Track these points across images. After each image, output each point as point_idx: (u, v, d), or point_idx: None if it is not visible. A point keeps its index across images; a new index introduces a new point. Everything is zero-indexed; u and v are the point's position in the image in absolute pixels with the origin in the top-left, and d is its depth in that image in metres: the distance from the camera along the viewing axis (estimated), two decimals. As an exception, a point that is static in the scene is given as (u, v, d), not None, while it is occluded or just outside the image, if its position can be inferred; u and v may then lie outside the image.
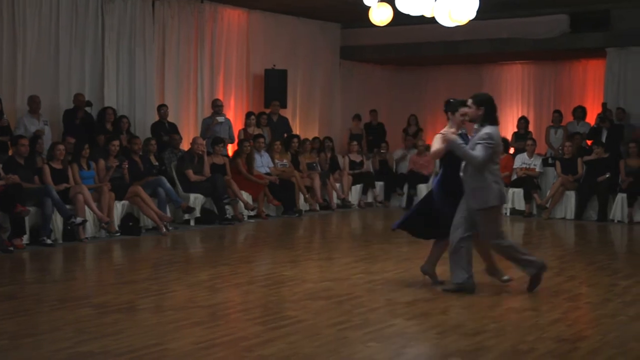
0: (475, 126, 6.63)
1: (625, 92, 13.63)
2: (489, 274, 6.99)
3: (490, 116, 6.54)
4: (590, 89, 15.24)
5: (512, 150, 13.75)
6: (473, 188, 6.51)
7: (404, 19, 9.99)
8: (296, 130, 14.71)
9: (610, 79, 13.78)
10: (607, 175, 12.12)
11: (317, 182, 13.07)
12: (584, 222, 12.01)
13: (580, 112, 13.94)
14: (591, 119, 13.79)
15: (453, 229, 6.62)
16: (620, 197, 11.93)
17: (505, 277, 6.95)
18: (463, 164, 6.59)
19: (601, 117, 13.22)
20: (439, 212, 6.80)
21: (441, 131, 6.72)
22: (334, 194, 13.45)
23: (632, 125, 13.20)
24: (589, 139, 13.35)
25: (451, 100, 6.90)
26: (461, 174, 6.61)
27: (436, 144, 6.75)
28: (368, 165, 14.40)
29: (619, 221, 11.89)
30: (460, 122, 6.76)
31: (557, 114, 14.02)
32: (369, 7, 9.79)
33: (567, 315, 5.96)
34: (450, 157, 6.64)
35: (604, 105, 13.54)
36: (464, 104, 6.69)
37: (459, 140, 6.55)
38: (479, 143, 6.42)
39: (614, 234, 11.16)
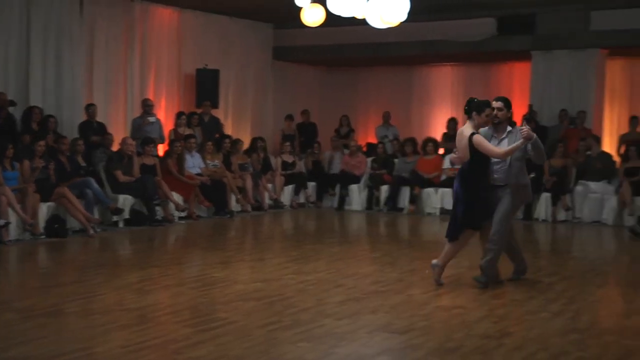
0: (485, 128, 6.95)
1: (550, 93, 14.02)
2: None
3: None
4: (517, 90, 15.58)
5: (441, 151, 13.98)
6: (524, 185, 7.02)
7: (335, 20, 10.05)
8: (228, 130, 14.62)
9: (535, 81, 14.16)
10: (532, 175, 12.41)
11: (249, 183, 13.03)
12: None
13: (507, 114, 14.26)
14: (518, 120, 14.11)
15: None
16: (545, 197, 12.26)
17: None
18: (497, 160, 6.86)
19: (527, 118, 13.54)
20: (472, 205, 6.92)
21: (524, 128, 6.77)
22: (266, 195, 13.43)
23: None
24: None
25: (475, 100, 7.04)
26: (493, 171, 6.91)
27: (484, 143, 6.77)
28: (300, 166, 14.42)
29: (543, 220, 12.22)
30: (485, 123, 6.93)
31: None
32: (301, 8, 9.82)
33: (494, 312, 6.09)
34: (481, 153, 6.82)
35: (530, 106, 13.89)
36: (488, 104, 6.92)
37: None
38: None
39: (538, 233, 11.46)
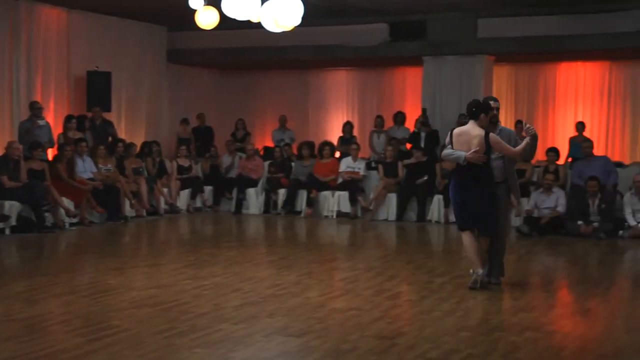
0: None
1: (441, 98, 14.43)
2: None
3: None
4: (409, 95, 15.98)
5: (337, 154, 14.15)
6: (515, 184, 7.28)
7: (230, 24, 9.99)
8: (121, 134, 14.29)
9: (427, 86, 14.54)
10: (425, 178, 12.76)
11: (144, 187, 12.78)
12: (405, 223, 12.56)
13: (400, 118, 14.59)
14: (410, 124, 14.47)
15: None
16: (437, 199, 12.61)
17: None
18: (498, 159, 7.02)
19: (422, 122, 13.90)
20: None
21: (529, 126, 6.94)
22: (162, 199, 13.21)
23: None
24: (409, 143, 14.00)
25: (480, 101, 7.17)
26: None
27: (502, 142, 6.93)
28: (197, 170, 14.26)
29: (436, 221, 12.55)
30: (486, 123, 7.03)
31: (380, 119, 14.62)
32: (195, 11, 9.73)
33: (388, 313, 6.21)
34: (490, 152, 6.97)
35: (423, 110, 14.24)
36: (490, 106, 7.06)
37: None
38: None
39: (431, 234, 11.77)
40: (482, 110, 6.98)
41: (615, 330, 5.90)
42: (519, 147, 6.95)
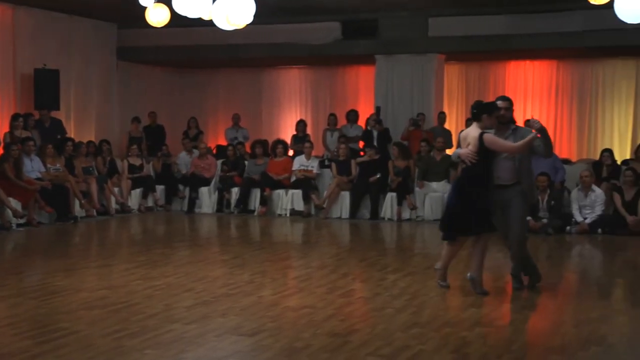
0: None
1: (393, 96, 14.53)
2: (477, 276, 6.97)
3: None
4: (362, 93, 16.06)
5: (291, 153, 14.14)
6: (531, 184, 7.03)
7: (182, 21, 9.91)
8: (71, 132, 14.06)
9: (379, 84, 14.62)
10: (378, 176, 12.83)
11: (94, 187, 12.58)
12: (358, 221, 12.61)
13: (353, 116, 14.64)
14: (363, 122, 14.53)
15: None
16: (390, 197, 12.68)
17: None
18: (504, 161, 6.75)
19: (375, 120, 13.97)
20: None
21: (535, 120, 6.74)
22: (113, 199, 13.02)
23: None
24: (361, 141, 14.06)
25: (482, 102, 7.07)
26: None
27: (497, 139, 6.68)
28: (148, 169, 14.10)
29: (389, 219, 12.62)
30: (492, 124, 6.78)
31: (333, 117, 14.65)
32: (146, 8, 9.62)
33: (341, 310, 6.23)
34: (490, 153, 6.70)
35: (377, 108, 14.32)
36: (497, 106, 6.84)
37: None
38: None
39: (384, 231, 11.84)
40: (483, 111, 6.76)
41: (563, 324, 6.01)
42: (519, 143, 6.60)
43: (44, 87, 13.45)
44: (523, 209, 6.91)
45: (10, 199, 10.94)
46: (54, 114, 13.40)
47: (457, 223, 6.90)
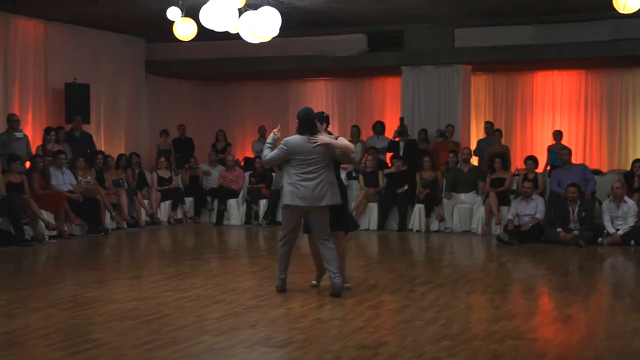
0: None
1: (420, 107, 14.51)
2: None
3: (299, 128, 7.13)
4: (389, 105, 16.07)
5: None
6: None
7: (209, 35, 10.02)
8: (101, 146, 14.24)
9: (405, 96, 14.62)
10: (406, 187, 12.81)
11: (124, 199, 12.72)
12: (386, 232, 12.60)
13: (379, 127, 14.64)
14: (390, 133, 14.53)
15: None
16: (418, 208, 12.65)
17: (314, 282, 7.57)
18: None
19: (399, 132, 13.97)
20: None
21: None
22: (142, 211, 13.15)
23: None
24: (388, 152, 14.05)
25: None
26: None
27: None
28: (177, 181, 14.22)
29: (417, 231, 12.59)
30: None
31: (355, 129, 14.67)
32: (173, 22, 9.74)
33: (370, 322, 6.22)
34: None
35: (401, 119, 14.32)
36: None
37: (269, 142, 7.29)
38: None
39: (412, 243, 11.80)
40: (322, 120, 7.28)
41: (596, 337, 5.94)
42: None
43: (75, 101, 13.64)
44: None
45: (43, 211, 11.08)
46: (84, 127, 13.58)
47: None
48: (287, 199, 7.11)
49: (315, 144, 6.99)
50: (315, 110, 7.28)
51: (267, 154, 7.18)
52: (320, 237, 7.19)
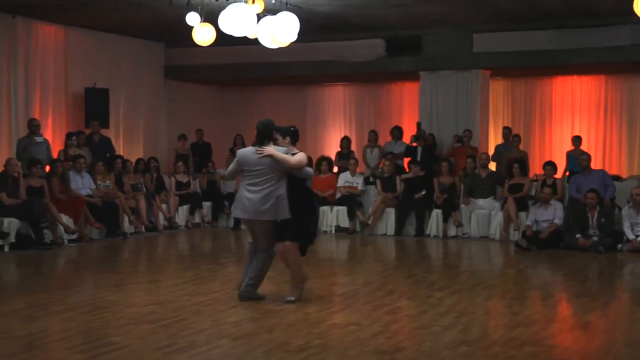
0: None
1: (437, 112, 14.48)
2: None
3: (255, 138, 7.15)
4: (406, 110, 16.04)
5: (335, 169, 14.17)
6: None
7: (227, 40, 10.06)
8: (120, 150, 14.33)
9: (423, 101, 14.59)
10: (423, 193, 12.78)
11: (143, 203, 12.79)
12: (403, 238, 12.57)
13: (397, 132, 14.62)
14: (408, 138, 14.50)
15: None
16: (436, 213, 12.62)
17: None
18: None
19: (416, 137, 13.94)
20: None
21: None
22: (160, 215, 13.21)
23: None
24: (405, 157, 14.03)
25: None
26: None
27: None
28: (195, 186, 14.28)
29: (434, 236, 12.55)
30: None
31: (373, 134, 14.66)
32: (192, 27, 9.79)
33: (387, 328, 6.21)
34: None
35: (418, 124, 14.29)
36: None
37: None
38: None
39: (430, 248, 11.77)
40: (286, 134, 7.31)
41: (615, 344, 5.90)
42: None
43: (94, 106, 13.75)
44: None
45: (62, 215, 11.17)
46: (103, 132, 13.67)
47: None
48: (232, 208, 7.23)
49: (261, 155, 6.92)
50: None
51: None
52: (258, 247, 7.19)
